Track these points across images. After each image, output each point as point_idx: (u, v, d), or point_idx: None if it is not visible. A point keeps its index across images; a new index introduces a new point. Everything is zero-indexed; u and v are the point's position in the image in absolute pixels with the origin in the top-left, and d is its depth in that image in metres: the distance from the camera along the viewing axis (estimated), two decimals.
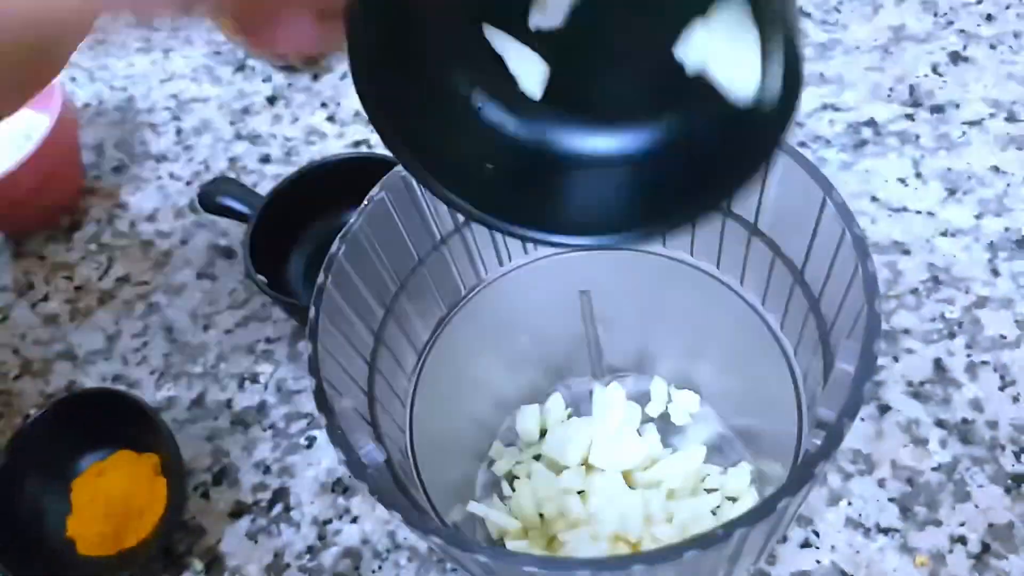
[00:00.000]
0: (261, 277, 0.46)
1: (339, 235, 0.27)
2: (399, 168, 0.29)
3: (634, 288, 0.37)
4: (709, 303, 0.35)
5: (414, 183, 0.30)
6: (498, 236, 0.35)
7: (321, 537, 0.42)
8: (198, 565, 0.42)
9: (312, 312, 0.26)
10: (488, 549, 0.21)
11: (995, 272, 0.45)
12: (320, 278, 0.26)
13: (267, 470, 0.44)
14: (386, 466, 0.26)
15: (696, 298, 0.36)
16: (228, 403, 0.47)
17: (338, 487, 0.43)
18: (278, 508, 0.43)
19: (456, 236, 0.33)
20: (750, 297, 0.33)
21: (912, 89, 0.54)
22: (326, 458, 0.44)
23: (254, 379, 0.48)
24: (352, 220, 0.28)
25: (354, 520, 0.42)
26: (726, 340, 0.37)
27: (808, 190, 0.26)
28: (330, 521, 0.42)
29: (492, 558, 0.20)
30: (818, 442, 0.22)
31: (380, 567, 0.40)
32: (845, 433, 0.21)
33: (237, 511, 0.43)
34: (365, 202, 0.29)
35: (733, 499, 0.39)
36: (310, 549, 0.41)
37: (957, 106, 0.53)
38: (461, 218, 0.33)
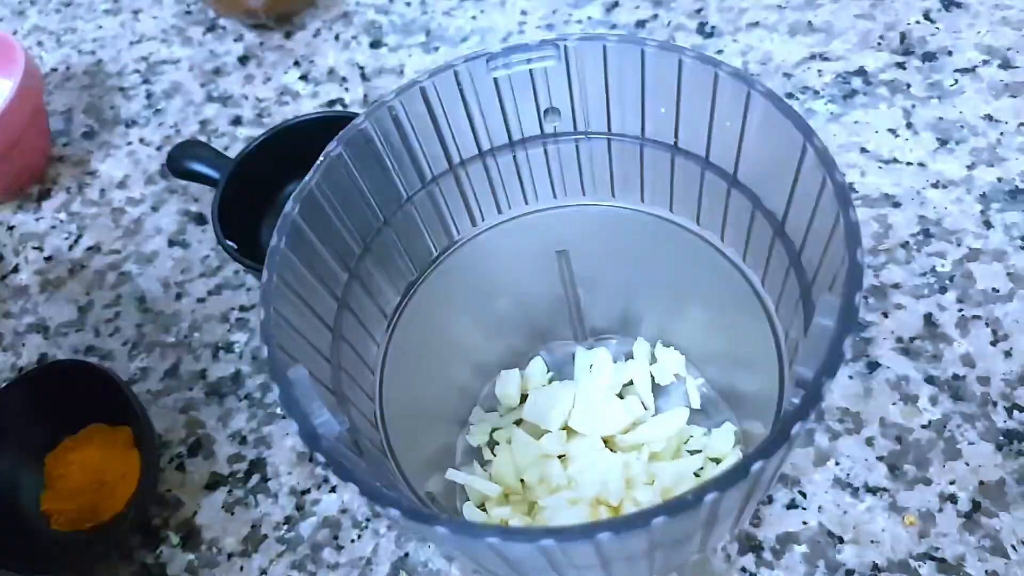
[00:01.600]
0: (231, 243, 0.44)
1: (294, 194, 0.26)
2: (359, 122, 0.28)
3: (613, 247, 0.36)
4: (689, 261, 0.34)
5: (375, 137, 0.29)
6: (469, 194, 0.33)
7: (299, 507, 0.41)
8: (174, 538, 0.41)
9: (265, 276, 0.24)
10: (447, 521, 0.20)
11: (987, 224, 0.44)
12: (274, 240, 0.25)
13: (243, 441, 0.43)
14: (348, 436, 0.25)
15: (676, 256, 0.34)
16: (202, 373, 0.46)
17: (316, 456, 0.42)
18: (255, 479, 0.42)
19: (423, 194, 0.32)
20: (731, 253, 0.32)
21: (903, 37, 0.53)
22: None
23: (228, 348, 0.47)
24: (307, 178, 0.27)
25: (332, 489, 0.41)
26: (708, 299, 0.35)
27: (788, 136, 0.25)
28: (308, 491, 0.41)
29: (452, 530, 0.19)
30: (797, 402, 0.21)
31: (359, 536, 0.40)
32: (824, 392, 0.20)
33: (213, 483, 0.42)
34: (321, 158, 0.27)
35: (717, 460, 0.38)
36: (288, 520, 0.41)
37: (950, 53, 0.51)
38: (429, 175, 0.32)
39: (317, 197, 0.27)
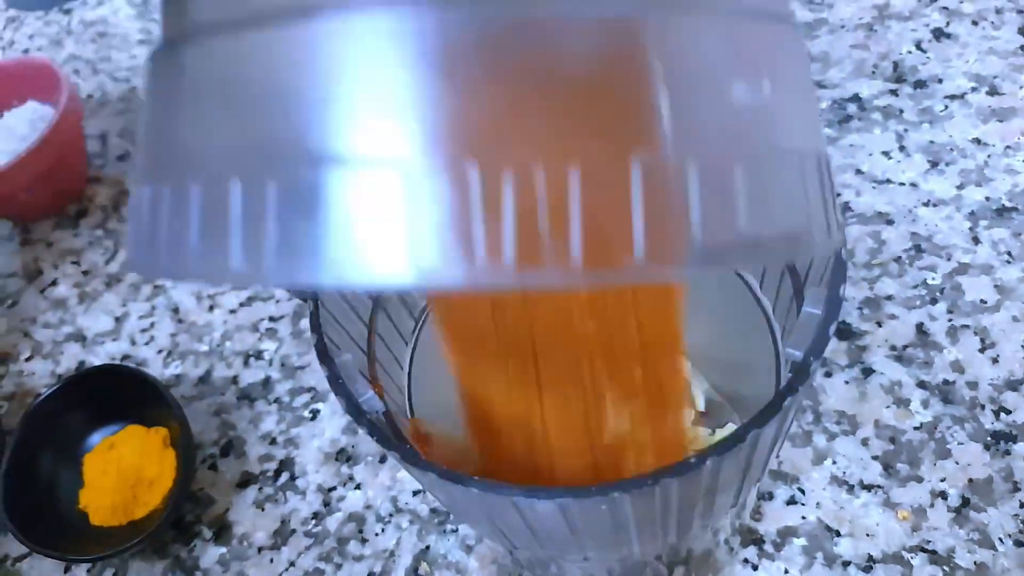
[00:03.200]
0: None
1: None
2: None
3: None
4: None
5: None
6: None
7: (326, 504, 0.43)
8: (207, 533, 0.44)
9: None
10: (480, 482, 0.22)
11: (976, 240, 0.47)
12: None
13: (273, 442, 0.46)
14: (386, 418, 0.27)
15: None
16: (234, 379, 0.49)
17: (341, 456, 0.45)
18: (284, 477, 0.45)
19: None
20: None
21: (896, 65, 0.56)
22: (330, 429, 0.46)
23: (259, 356, 0.50)
24: None
25: (357, 487, 0.44)
26: (711, 306, 0.38)
27: None
28: (334, 488, 0.44)
29: (482, 489, 0.22)
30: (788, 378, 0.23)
31: (383, 530, 0.42)
32: (813, 372, 0.23)
33: (244, 481, 0.45)
34: None
35: None
36: (315, 515, 0.43)
37: (940, 81, 0.54)
38: None
39: None
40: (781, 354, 0.33)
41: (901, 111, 0.53)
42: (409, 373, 0.34)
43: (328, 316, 0.27)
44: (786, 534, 0.39)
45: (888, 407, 0.42)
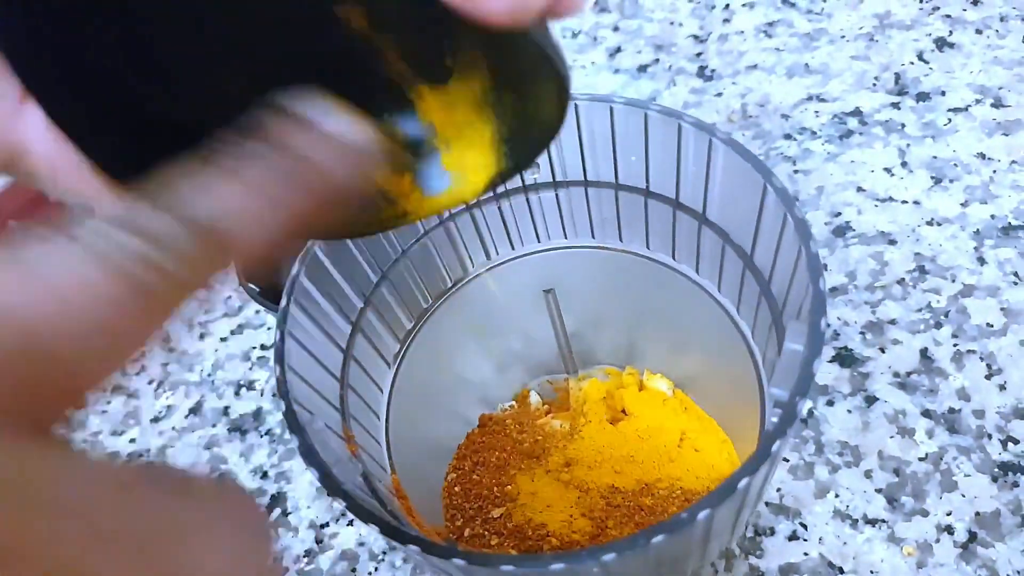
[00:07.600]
0: (252, 286, 0.46)
1: (298, 257, 0.28)
2: None
3: (600, 284, 0.39)
4: (669, 293, 0.36)
5: None
6: (459, 244, 0.36)
7: (318, 540, 0.43)
8: None
9: (277, 335, 0.26)
10: (464, 553, 0.21)
11: (981, 260, 0.46)
12: (283, 302, 0.27)
13: (264, 475, 0.45)
14: (363, 480, 0.26)
15: (657, 290, 0.37)
16: (225, 410, 0.48)
17: None
18: (276, 513, 0.44)
19: (417, 247, 0.34)
20: (706, 285, 0.34)
21: (898, 77, 0.54)
22: None
23: (250, 386, 0.49)
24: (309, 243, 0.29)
25: (351, 523, 0.43)
26: (689, 328, 0.38)
27: (750, 178, 0.27)
28: (327, 524, 0.43)
29: (469, 561, 0.21)
30: (775, 421, 0.22)
31: (376, 568, 0.41)
32: (799, 412, 0.22)
33: None
34: None
35: None
36: (308, 552, 0.42)
37: (943, 93, 0.53)
38: (421, 230, 0.34)
39: (319, 257, 0.29)
40: (762, 374, 0.32)
41: (903, 125, 0.52)
42: (387, 421, 0.34)
43: (295, 376, 0.26)
44: (788, 571, 0.38)
45: (892, 437, 0.41)
